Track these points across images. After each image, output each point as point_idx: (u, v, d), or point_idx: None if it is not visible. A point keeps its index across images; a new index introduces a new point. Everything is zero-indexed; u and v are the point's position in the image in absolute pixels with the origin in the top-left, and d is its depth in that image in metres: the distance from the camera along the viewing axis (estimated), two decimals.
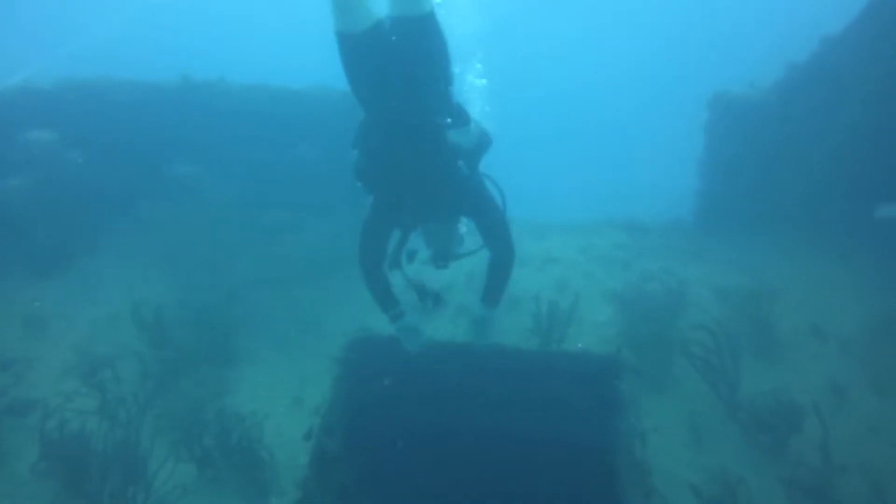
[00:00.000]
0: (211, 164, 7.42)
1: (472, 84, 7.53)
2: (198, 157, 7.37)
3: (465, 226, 4.42)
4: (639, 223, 8.91)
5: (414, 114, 3.94)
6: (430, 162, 3.98)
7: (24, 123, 7.44)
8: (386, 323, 6.07)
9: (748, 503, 4.50)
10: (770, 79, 7.97)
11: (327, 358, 5.19)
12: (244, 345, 6.39)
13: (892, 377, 5.90)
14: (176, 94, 7.72)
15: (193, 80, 7.71)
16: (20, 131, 7.36)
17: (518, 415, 4.90)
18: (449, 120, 4.00)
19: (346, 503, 4.52)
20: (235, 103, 7.67)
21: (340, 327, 5.79)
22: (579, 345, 6.25)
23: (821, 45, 7.65)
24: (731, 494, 4.60)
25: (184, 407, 5.43)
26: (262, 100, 7.79)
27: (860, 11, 7.22)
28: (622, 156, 19.56)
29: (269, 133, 7.65)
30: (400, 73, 3.91)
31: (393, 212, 4.12)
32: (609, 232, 8.87)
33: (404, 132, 3.93)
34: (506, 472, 4.58)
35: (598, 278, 7.71)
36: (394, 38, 3.88)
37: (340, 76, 4.08)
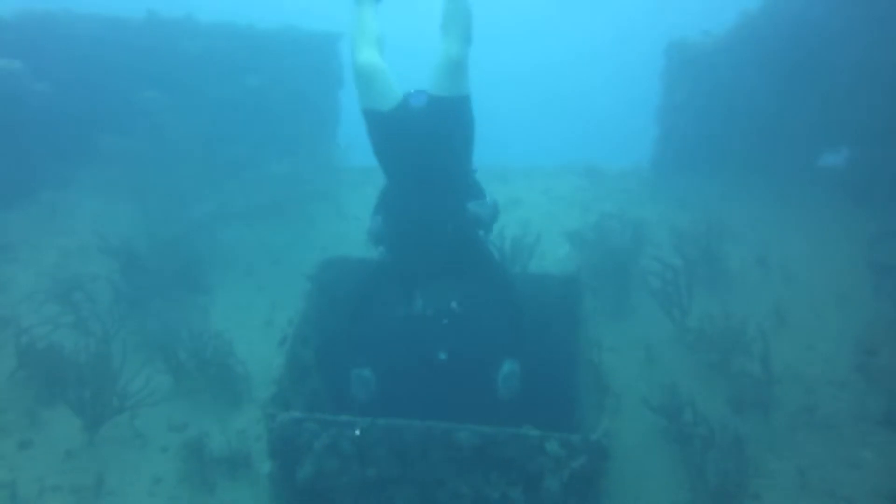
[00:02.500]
0: (175, 98, 7.40)
1: None
2: (162, 90, 7.33)
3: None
4: (597, 169, 9.20)
5: (437, 186, 4.25)
6: (453, 231, 4.29)
7: None
8: (357, 247, 6.29)
9: (693, 410, 4.83)
10: (724, 26, 8.24)
11: (297, 286, 5.33)
12: (213, 274, 6.49)
13: (829, 302, 6.35)
14: (141, 30, 7.67)
15: (159, 16, 7.67)
16: None
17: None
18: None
19: (318, 408, 4.71)
20: (202, 41, 7.66)
21: (309, 258, 5.91)
22: None
23: None
24: (678, 403, 4.94)
25: (156, 325, 5.55)
26: (229, 37, 7.82)
27: None
28: (581, 103, 19.86)
29: (233, 71, 7.66)
30: (428, 149, 4.24)
31: (405, 272, 4.40)
32: (569, 177, 9.16)
33: (430, 204, 4.23)
34: (471, 382, 4.81)
35: (559, 218, 8.01)
36: (426, 114, 4.22)
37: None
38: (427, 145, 4.23)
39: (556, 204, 8.45)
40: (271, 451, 4.25)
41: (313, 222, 7.47)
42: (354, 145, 9.16)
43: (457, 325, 4.50)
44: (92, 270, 6.17)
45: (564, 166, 9.43)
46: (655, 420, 5.04)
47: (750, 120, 8.38)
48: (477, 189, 4.49)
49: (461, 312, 4.44)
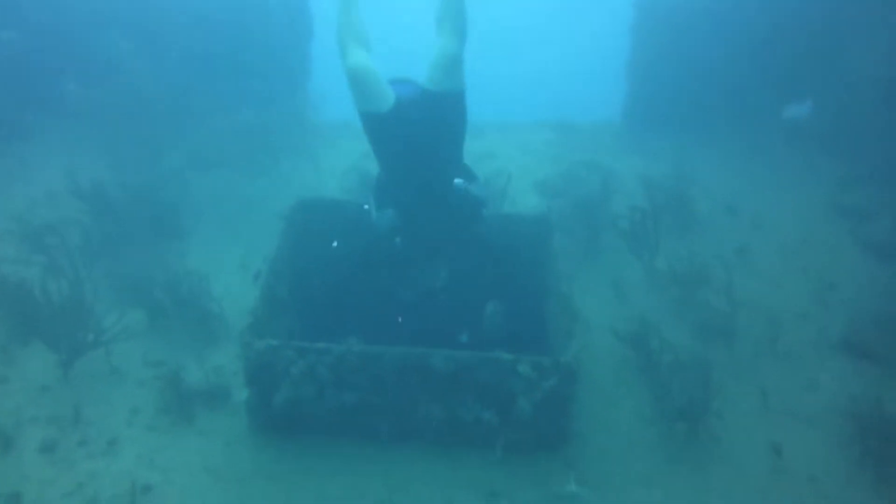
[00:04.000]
0: (144, 47, 7.30)
1: None
2: (131, 39, 7.22)
3: None
4: (570, 124, 9.29)
5: (439, 175, 4.41)
6: (463, 215, 4.50)
7: None
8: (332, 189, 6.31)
9: (659, 339, 4.98)
10: None
11: (271, 232, 5.35)
12: (186, 222, 6.45)
13: (794, 243, 6.54)
14: None
15: None
16: None
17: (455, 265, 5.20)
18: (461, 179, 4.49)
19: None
20: None
21: (283, 207, 5.91)
22: None
23: None
24: (645, 332, 5.08)
25: (129, 267, 5.54)
26: None
27: None
28: (552, 58, 19.82)
29: (203, 20, 7.57)
30: (427, 143, 4.37)
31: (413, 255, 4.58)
32: (542, 131, 9.24)
33: (436, 192, 4.41)
34: (444, 315, 4.90)
35: (531, 170, 8.09)
36: (423, 109, 4.30)
37: None
38: (425, 139, 4.35)
39: (529, 156, 8.54)
40: (248, 378, 4.31)
41: (287, 173, 7.46)
42: (326, 98, 9.19)
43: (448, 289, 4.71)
44: (62, 216, 6.10)
45: (538, 122, 9.52)
46: (624, 352, 5.19)
47: (717, 73, 8.50)
48: (469, 171, 4.61)
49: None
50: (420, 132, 4.34)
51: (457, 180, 4.46)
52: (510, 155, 8.50)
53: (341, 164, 7.79)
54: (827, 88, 8.06)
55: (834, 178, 7.42)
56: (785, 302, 5.77)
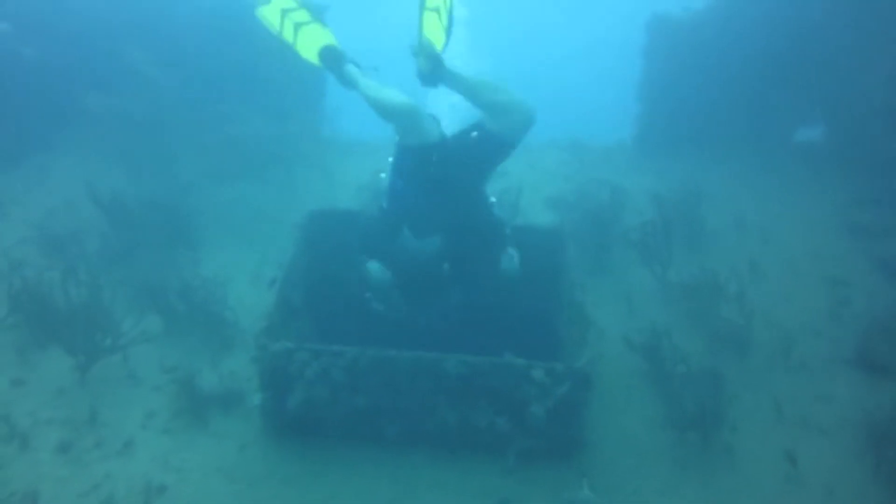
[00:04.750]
0: (162, 56, 7.44)
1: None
2: (150, 48, 7.37)
3: None
4: (582, 144, 9.37)
5: (473, 200, 4.52)
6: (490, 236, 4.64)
7: None
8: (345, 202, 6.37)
9: (672, 349, 4.98)
10: (704, 1, 8.46)
11: (284, 243, 5.43)
12: (202, 231, 6.55)
13: (805, 258, 6.55)
14: None
15: None
16: None
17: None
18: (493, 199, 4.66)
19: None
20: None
21: (297, 218, 5.98)
22: None
23: None
24: (657, 342, 5.09)
25: (146, 274, 5.61)
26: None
27: None
28: (565, 82, 20.00)
29: (221, 33, 7.71)
30: (467, 174, 4.39)
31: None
32: (553, 152, 9.31)
33: (471, 217, 4.52)
34: (460, 324, 4.92)
35: (543, 187, 8.16)
36: (471, 145, 4.31)
37: None
38: (467, 171, 4.40)
39: (540, 175, 8.59)
40: (262, 381, 4.35)
41: (300, 187, 7.55)
42: (340, 115, 9.33)
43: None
44: (81, 225, 6.21)
45: (549, 142, 9.59)
46: (636, 363, 5.19)
47: (729, 95, 8.59)
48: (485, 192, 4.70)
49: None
50: (464, 164, 4.37)
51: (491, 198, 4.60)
52: (521, 174, 8.54)
53: (354, 179, 7.88)
54: (838, 110, 8.12)
55: (844, 198, 7.44)
56: (798, 316, 5.77)
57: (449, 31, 4.65)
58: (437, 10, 4.55)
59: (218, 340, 5.22)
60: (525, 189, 7.95)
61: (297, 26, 4.68)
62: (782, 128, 8.73)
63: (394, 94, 4.23)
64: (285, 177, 7.52)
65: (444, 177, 4.37)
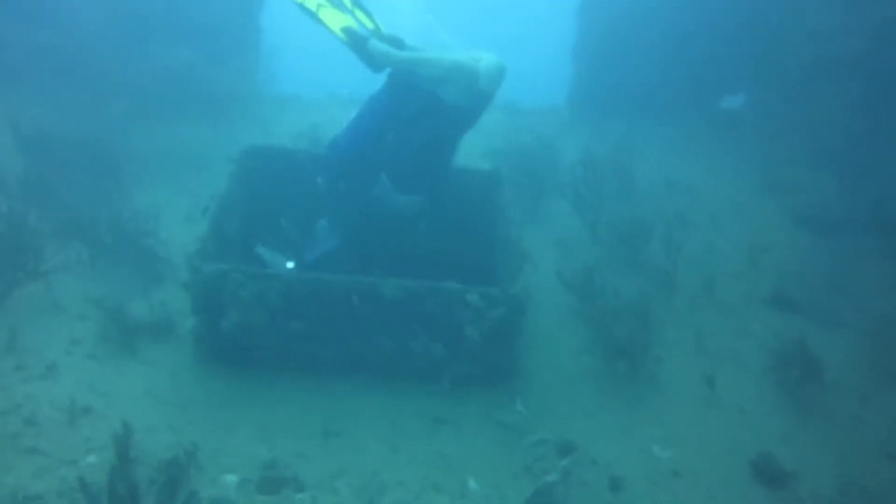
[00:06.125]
0: None
1: None
2: None
3: None
4: (517, 106, 9.50)
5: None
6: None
7: None
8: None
9: (602, 285, 5.16)
10: None
11: (218, 185, 5.30)
12: (132, 170, 6.33)
13: (729, 211, 6.88)
14: None
15: None
16: None
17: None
18: None
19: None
20: None
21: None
22: None
23: None
24: (589, 279, 5.26)
25: (73, 209, 5.38)
26: None
27: None
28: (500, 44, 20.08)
29: None
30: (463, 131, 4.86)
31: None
32: (488, 113, 9.37)
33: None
34: (399, 255, 4.94)
35: (480, 143, 8.22)
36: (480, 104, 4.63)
37: None
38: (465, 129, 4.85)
39: (476, 133, 8.62)
40: (195, 304, 4.27)
41: (236, 133, 7.38)
42: (276, 71, 9.19)
43: None
44: (2, 159, 5.90)
45: None
46: (569, 300, 5.34)
47: (661, 62, 8.87)
48: None
49: None
50: (468, 124, 4.75)
51: None
52: None
53: (290, 129, 7.78)
54: (760, 75, 8.50)
55: (763, 160, 7.83)
56: (720, 261, 6.07)
57: (364, 10, 4.79)
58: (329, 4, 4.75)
59: (149, 273, 5.08)
60: (462, 144, 8.02)
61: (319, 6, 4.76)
62: (709, 96, 9.09)
63: (449, 55, 4.41)
64: (220, 122, 7.34)
65: (451, 137, 4.75)
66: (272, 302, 4.21)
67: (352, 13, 4.81)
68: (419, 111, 4.54)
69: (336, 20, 4.73)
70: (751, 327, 5.33)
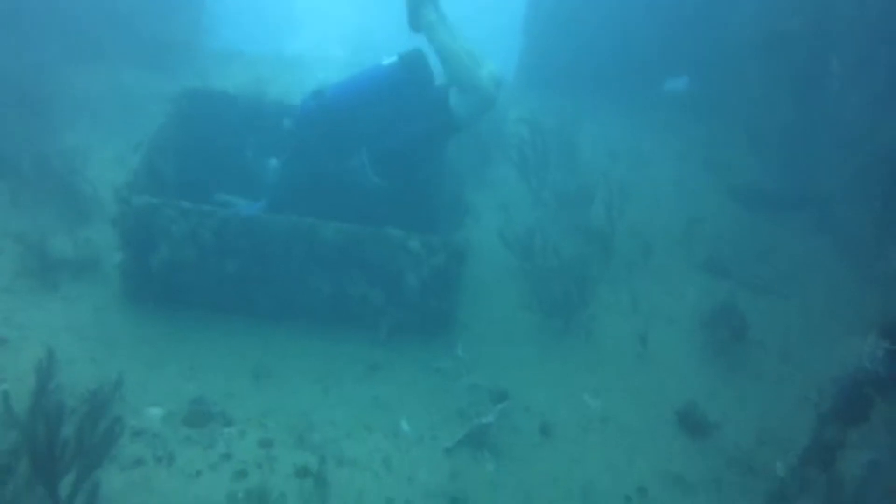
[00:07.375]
0: None
1: None
2: None
3: None
4: None
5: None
6: None
7: None
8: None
9: (543, 245, 5.19)
10: None
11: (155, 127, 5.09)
12: (63, 112, 6.02)
13: (668, 184, 7.03)
14: None
15: None
16: None
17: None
18: None
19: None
20: None
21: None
22: None
23: None
24: (530, 238, 5.29)
25: None
26: None
27: None
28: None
29: None
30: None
31: None
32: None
33: None
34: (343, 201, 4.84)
35: None
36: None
37: None
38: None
39: None
40: (123, 238, 4.10)
41: (176, 81, 7.10)
42: (219, 25, 8.88)
43: None
44: None
45: None
46: (509, 260, 5.36)
47: (608, 40, 8.96)
48: None
49: None
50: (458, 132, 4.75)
51: None
52: None
53: (234, 82, 7.52)
54: (702, 57, 8.69)
55: (702, 139, 8.02)
56: (658, 229, 6.18)
57: None
58: None
59: (74, 211, 4.84)
60: None
61: None
62: (655, 76, 9.24)
63: (484, 72, 4.31)
64: (161, 70, 7.04)
65: (441, 137, 4.76)
66: (205, 239, 4.08)
67: None
68: (422, 98, 4.50)
69: None
70: (684, 290, 5.45)
